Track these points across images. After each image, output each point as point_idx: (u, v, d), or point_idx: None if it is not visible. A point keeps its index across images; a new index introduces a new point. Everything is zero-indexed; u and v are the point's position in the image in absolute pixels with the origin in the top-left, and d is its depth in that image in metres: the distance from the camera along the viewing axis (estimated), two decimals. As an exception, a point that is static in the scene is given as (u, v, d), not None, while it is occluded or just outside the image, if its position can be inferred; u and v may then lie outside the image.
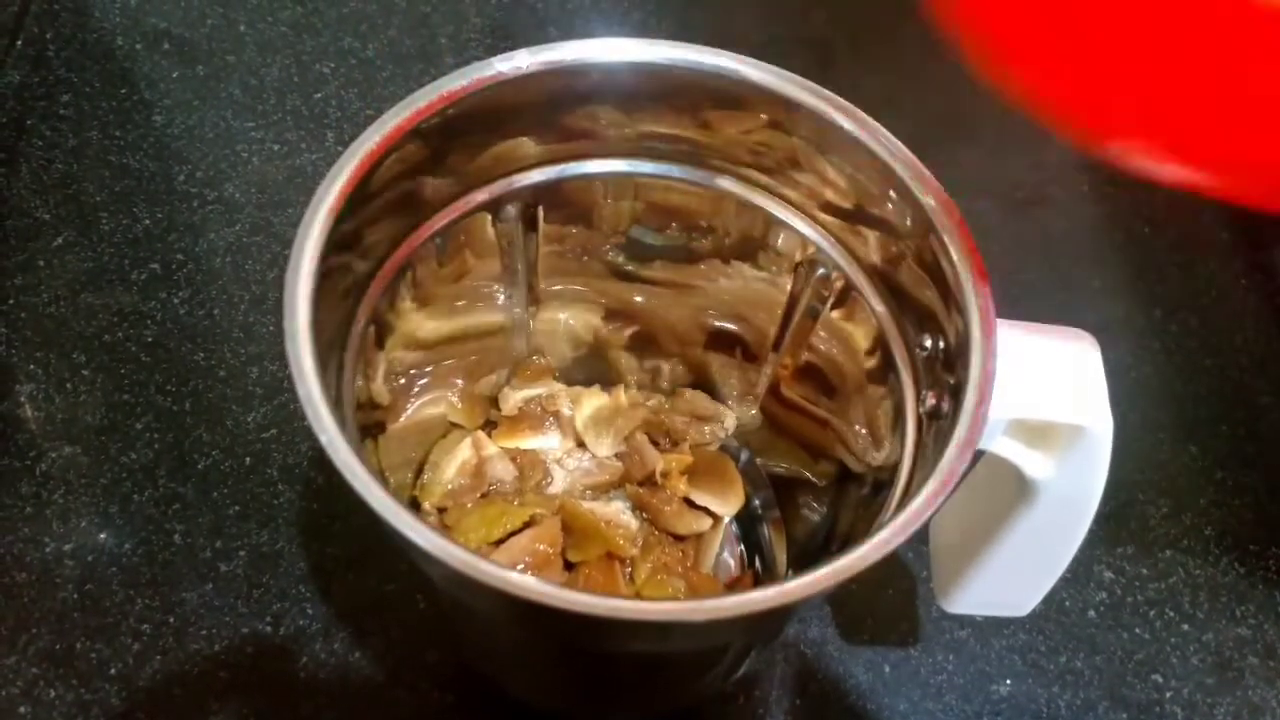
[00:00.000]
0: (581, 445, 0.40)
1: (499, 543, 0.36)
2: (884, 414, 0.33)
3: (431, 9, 0.57)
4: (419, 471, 0.39)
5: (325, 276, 0.27)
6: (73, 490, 0.41)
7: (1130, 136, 0.21)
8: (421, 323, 0.35)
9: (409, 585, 0.40)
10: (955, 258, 0.28)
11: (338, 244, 0.28)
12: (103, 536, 0.41)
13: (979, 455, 0.28)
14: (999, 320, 0.28)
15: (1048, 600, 0.35)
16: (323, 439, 0.24)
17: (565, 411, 0.40)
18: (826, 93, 0.31)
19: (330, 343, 0.29)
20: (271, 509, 0.41)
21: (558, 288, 0.38)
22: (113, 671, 0.38)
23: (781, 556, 0.39)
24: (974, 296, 0.27)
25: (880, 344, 0.33)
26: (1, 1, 0.53)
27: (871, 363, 0.34)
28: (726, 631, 0.29)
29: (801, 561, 0.39)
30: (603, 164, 0.34)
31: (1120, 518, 0.44)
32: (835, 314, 0.35)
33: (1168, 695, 0.41)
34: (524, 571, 0.35)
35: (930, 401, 0.30)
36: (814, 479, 0.38)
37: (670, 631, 0.25)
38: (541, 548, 0.36)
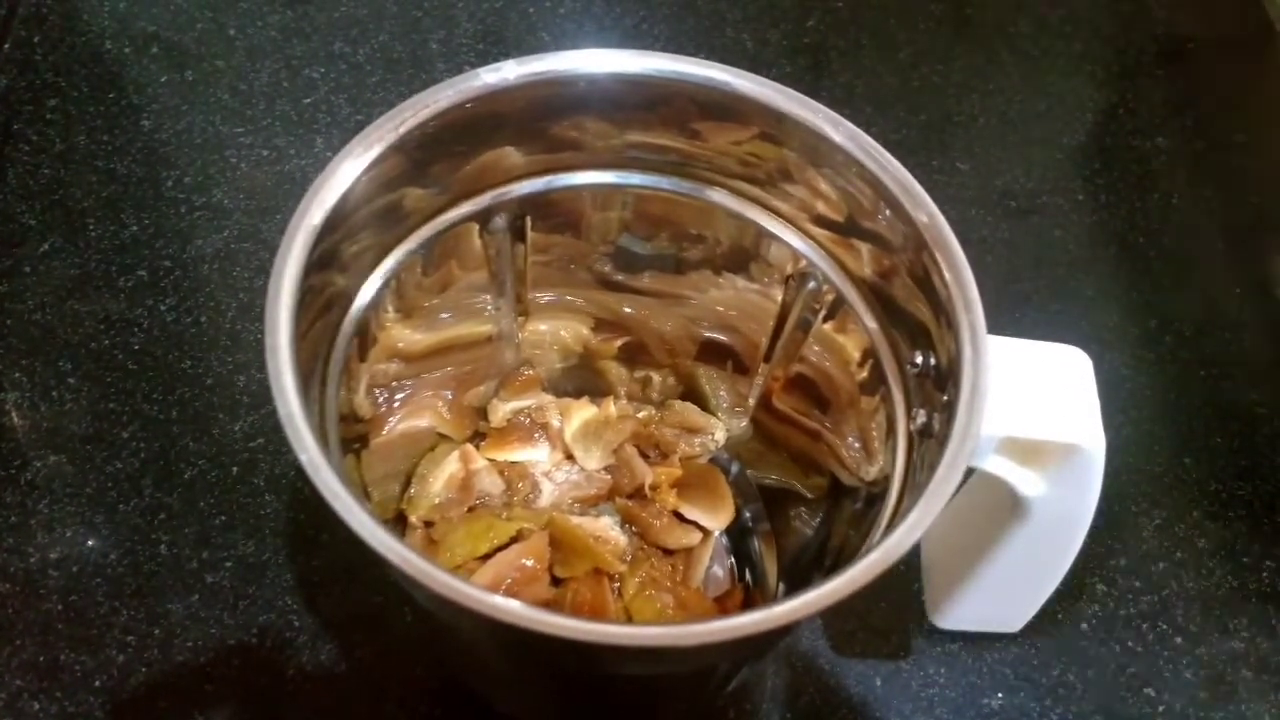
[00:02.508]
0: (570, 458, 0.39)
1: (486, 557, 0.36)
2: (876, 427, 0.33)
3: (423, 14, 0.56)
4: (406, 484, 0.38)
5: (307, 292, 0.27)
6: (58, 499, 0.41)
7: None
8: (406, 334, 0.34)
9: (396, 598, 0.39)
10: (947, 276, 0.28)
11: (320, 259, 0.27)
12: (88, 546, 0.40)
13: (971, 471, 0.28)
14: (991, 336, 0.27)
15: (1040, 613, 0.35)
16: (303, 458, 0.24)
17: (554, 423, 0.40)
18: (818, 105, 0.30)
19: (314, 356, 0.29)
20: (258, 519, 0.41)
21: (546, 298, 0.38)
22: (97, 683, 0.38)
23: (772, 570, 0.39)
24: (966, 315, 0.27)
25: (871, 358, 0.32)
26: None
27: (863, 375, 0.33)
28: (716, 654, 0.28)
29: (792, 575, 0.38)
30: (591, 175, 0.34)
31: (1113, 530, 0.44)
32: (827, 326, 0.34)
33: (1160, 709, 0.40)
34: (510, 587, 0.35)
35: (921, 419, 0.29)
36: (805, 492, 0.38)
37: (659, 655, 0.25)
38: (528, 563, 0.35)
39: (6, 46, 0.53)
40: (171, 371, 0.44)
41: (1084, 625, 0.42)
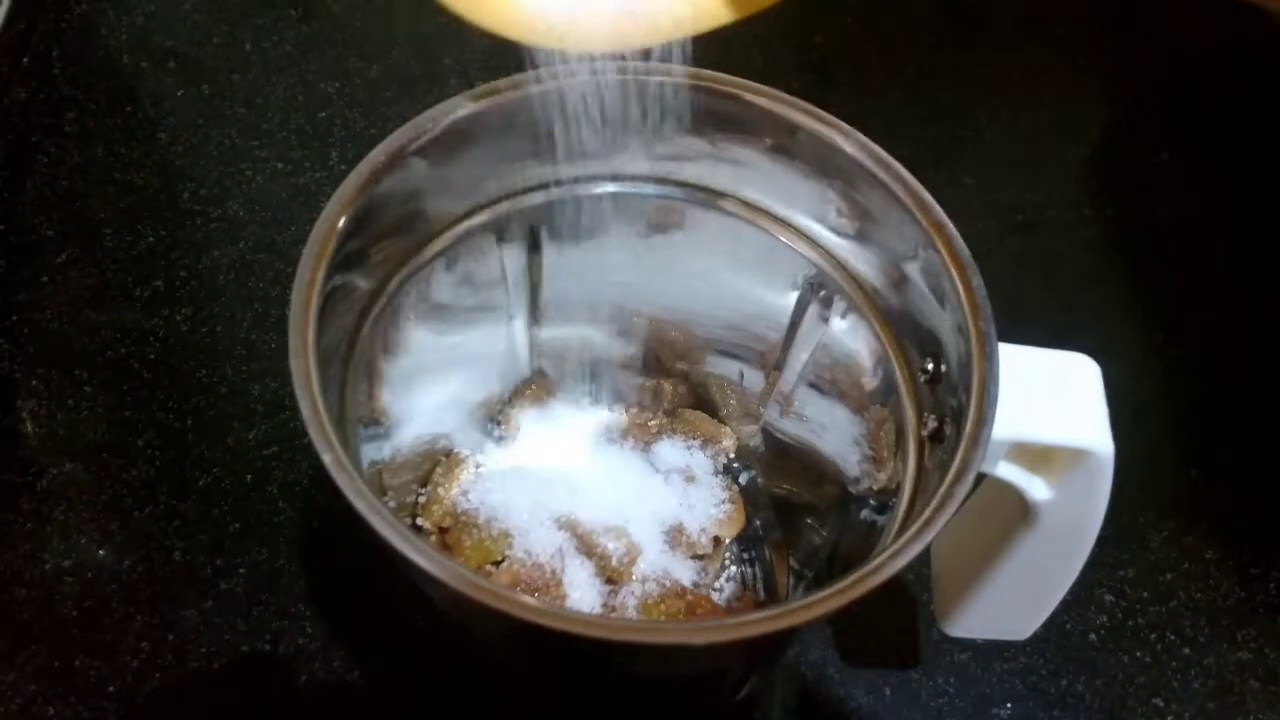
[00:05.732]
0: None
1: (499, 563, 0.36)
2: (885, 436, 0.33)
3: (436, 30, 0.57)
4: (420, 490, 0.38)
5: (329, 295, 0.27)
6: (73, 507, 0.41)
7: None
8: (424, 341, 0.35)
9: (409, 604, 0.40)
10: (956, 282, 0.28)
11: (342, 263, 0.28)
12: (102, 553, 0.40)
13: (980, 478, 0.28)
14: (1000, 343, 0.28)
15: (1049, 623, 0.35)
16: (326, 458, 0.24)
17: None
18: (828, 116, 0.31)
19: (334, 361, 0.29)
20: (272, 527, 0.41)
21: (560, 307, 0.38)
22: (111, 689, 0.38)
23: (783, 578, 0.39)
24: (975, 321, 0.27)
25: (881, 366, 0.33)
26: (8, 19, 0.54)
27: (873, 384, 0.34)
28: (727, 655, 0.29)
29: (803, 583, 0.38)
30: (606, 185, 0.34)
31: (1121, 540, 0.44)
32: (838, 335, 0.35)
33: (1169, 720, 0.40)
34: (524, 592, 0.35)
35: (932, 425, 0.30)
36: (815, 500, 0.38)
37: (670, 654, 0.25)
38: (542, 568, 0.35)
39: (25, 60, 0.54)
40: (187, 380, 0.45)
41: (1092, 636, 0.42)
